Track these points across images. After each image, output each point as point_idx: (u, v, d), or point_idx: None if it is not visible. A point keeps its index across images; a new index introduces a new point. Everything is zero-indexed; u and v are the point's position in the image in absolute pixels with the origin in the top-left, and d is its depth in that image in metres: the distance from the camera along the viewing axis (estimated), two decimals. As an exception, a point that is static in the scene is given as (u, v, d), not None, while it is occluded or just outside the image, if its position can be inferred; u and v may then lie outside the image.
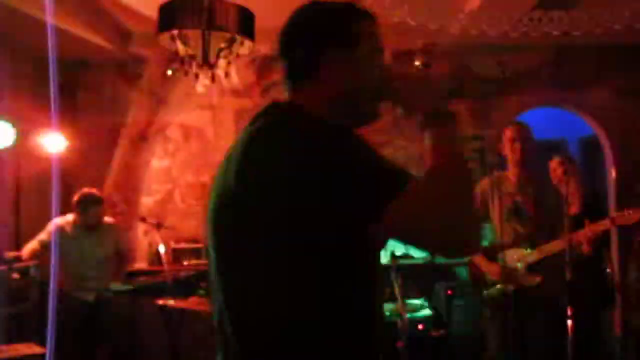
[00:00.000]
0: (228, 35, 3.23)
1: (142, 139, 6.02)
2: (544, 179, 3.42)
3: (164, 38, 3.28)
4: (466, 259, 3.57)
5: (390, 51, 3.04)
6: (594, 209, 3.77)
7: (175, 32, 3.22)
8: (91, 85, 6.03)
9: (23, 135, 4.62)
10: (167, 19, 3.18)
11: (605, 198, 5.77)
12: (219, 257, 1.22)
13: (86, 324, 4.28)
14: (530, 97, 5.94)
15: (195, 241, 5.65)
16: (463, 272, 4.87)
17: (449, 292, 4.75)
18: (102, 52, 5.57)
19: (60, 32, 4.82)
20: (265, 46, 5.53)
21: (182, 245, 5.59)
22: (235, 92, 5.93)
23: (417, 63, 1.39)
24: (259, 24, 3.33)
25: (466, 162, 1.26)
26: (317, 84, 1.27)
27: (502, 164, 3.45)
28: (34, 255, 4.26)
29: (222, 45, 3.27)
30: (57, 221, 4.37)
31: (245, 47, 3.35)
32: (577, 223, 3.26)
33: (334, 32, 1.28)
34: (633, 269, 4.74)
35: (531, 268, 3.25)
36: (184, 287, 4.15)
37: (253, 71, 5.98)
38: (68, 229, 4.36)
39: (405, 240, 1.19)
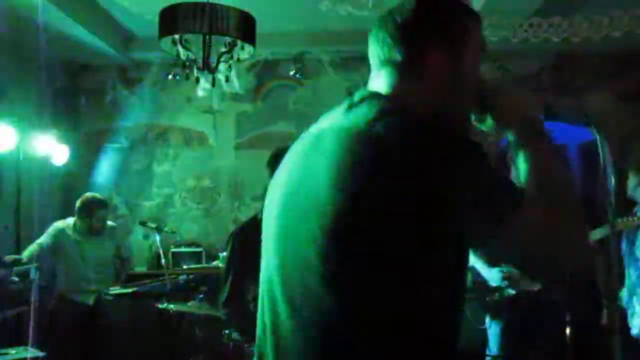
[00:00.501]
0: (229, 39, 3.24)
1: (143, 142, 6.03)
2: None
3: (165, 42, 3.29)
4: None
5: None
6: (592, 215, 3.77)
7: (176, 36, 3.23)
8: (92, 88, 6.05)
9: (24, 139, 4.64)
10: (169, 23, 3.19)
11: (604, 205, 5.76)
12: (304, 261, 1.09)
13: (85, 327, 4.28)
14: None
15: (195, 245, 5.66)
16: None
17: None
18: (104, 56, 5.59)
19: (62, 36, 4.87)
20: (266, 51, 5.57)
21: (182, 249, 5.60)
22: (236, 97, 5.94)
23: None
24: (259, 28, 3.35)
25: (573, 178, 1.17)
26: (419, 82, 1.16)
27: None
28: (34, 258, 4.26)
29: (223, 49, 3.28)
30: (58, 224, 4.38)
31: (246, 52, 3.36)
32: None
33: (447, 24, 1.17)
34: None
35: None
36: (184, 291, 4.15)
37: (254, 76, 6.00)
38: (69, 232, 4.36)
39: (517, 259, 1.12)
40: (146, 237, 5.74)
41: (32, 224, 4.66)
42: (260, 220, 1.28)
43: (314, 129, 1.20)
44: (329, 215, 1.04)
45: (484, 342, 3.49)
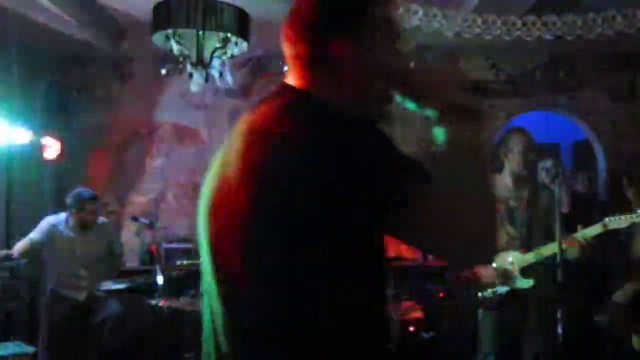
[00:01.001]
0: (222, 35, 3.23)
1: (135, 138, 6.00)
2: (536, 182, 3.45)
3: (159, 37, 3.27)
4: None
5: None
6: (585, 213, 3.80)
7: (169, 31, 3.22)
8: (84, 83, 6.01)
9: (15, 134, 4.60)
10: (162, 18, 3.18)
11: (598, 202, 5.79)
12: (231, 260, 1.12)
13: (77, 323, 4.26)
14: (524, 101, 5.97)
15: (187, 241, 5.64)
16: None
17: (441, 294, 4.76)
18: (96, 50, 5.56)
19: (53, 30, 4.83)
20: (260, 47, 5.55)
21: (174, 245, 5.58)
22: (229, 92, 5.92)
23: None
24: (253, 24, 3.34)
25: (487, 161, 1.18)
26: (325, 72, 1.18)
27: (499, 166, 3.48)
28: (25, 253, 4.24)
29: (217, 45, 3.27)
30: (50, 220, 4.35)
31: (239, 47, 3.35)
32: (569, 227, 3.29)
33: (349, 15, 1.18)
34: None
35: (524, 270, 3.29)
36: (176, 286, 4.14)
37: (247, 71, 5.98)
38: (60, 227, 4.33)
39: (420, 243, 1.13)
40: (138, 233, 5.72)
41: (23, 219, 4.63)
42: None
43: (237, 124, 1.22)
44: (243, 211, 1.08)
45: (476, 338, 3.51)
